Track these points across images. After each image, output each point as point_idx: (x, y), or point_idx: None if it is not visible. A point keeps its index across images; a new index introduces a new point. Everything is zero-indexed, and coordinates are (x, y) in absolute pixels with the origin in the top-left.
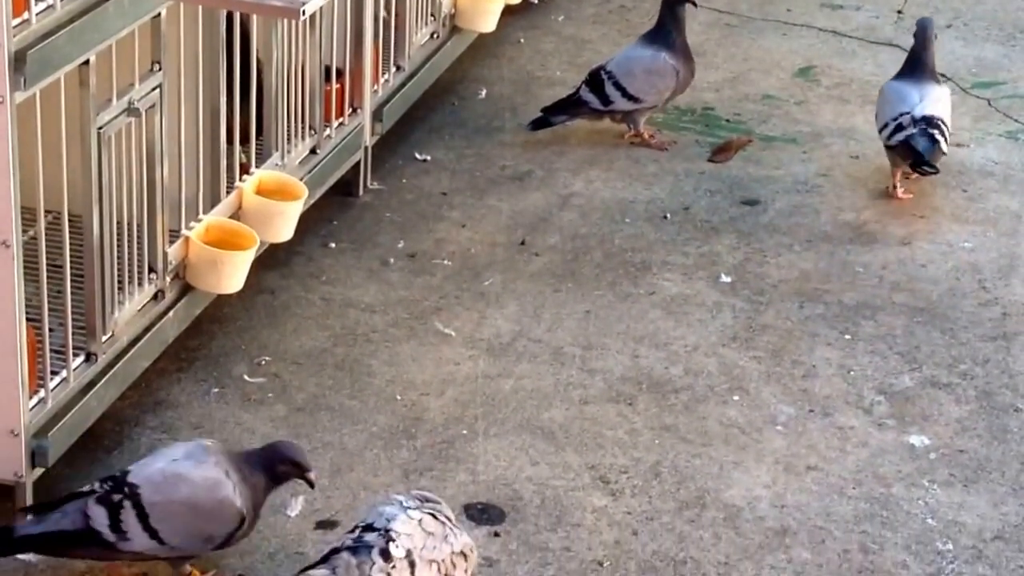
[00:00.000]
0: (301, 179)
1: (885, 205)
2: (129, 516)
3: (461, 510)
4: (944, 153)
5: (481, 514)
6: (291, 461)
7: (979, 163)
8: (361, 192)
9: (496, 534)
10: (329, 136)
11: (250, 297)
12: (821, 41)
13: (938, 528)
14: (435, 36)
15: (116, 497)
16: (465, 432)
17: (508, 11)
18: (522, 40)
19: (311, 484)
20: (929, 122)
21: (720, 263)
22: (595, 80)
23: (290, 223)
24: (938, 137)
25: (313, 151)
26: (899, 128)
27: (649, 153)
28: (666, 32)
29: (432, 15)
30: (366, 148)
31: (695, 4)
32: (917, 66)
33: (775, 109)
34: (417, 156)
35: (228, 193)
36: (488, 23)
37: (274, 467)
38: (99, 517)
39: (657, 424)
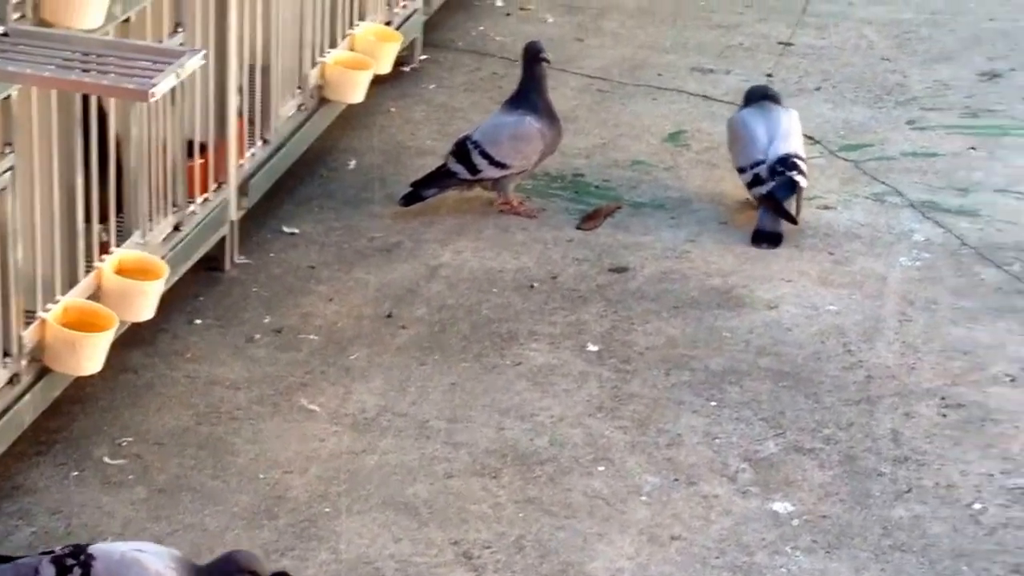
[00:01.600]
0: (164, 256)
1: (752, 270)
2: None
3: None
4: (803, 188)
5: None
6: (249, 571)
7: (846, 226)
8: (228, 267)
9: None
10: (193, 212)
11: (113, 376)
12: (691, 105)
13: None
14: (302, 108)
15: (70, 562)
16: (328, 510)
17: (378, 80)
18: (392, 109)
19: (548, 60)
20: (786, 164)
21: (587, 332)
22: (462, 150)
23: (151, 303)
24: (796, 178)
25: (177, 228)
26: (757, 180)
27: (518, 221)
28: (528, 95)
29: (299, 87)
30: (232, 223)
31: (548, 61)
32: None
33: (644, 175)
34: (285, 229)
35: (87, 273)
36: (356, 94)
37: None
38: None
39: (521, 497)
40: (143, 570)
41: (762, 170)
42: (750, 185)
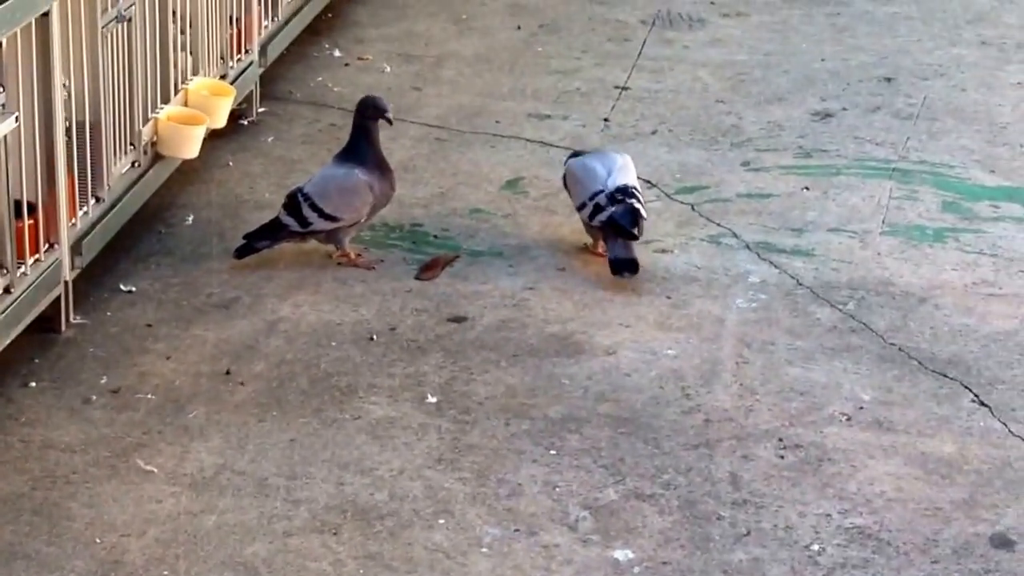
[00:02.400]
0: None
1: (590, 315)
2: (307, 210)
3: None
4: (644, 218)
5: None
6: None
7: (683, 269)
8: (63, 328)
9: None
10: (24, 273)
11: None
12: (529, 152)
13: None
14: (136, 164)
15: (296, 202)
16: (167, 573)
17: (216, 134)
18: (230, 163)
19: (390, 121)
20: (625, 192)
21: (426, 383)
22: (292, 203)
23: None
24: (636, 206)
25: (7, 290)
26: (597, 208)
27: (356, 273)
28: (358, 148)
29: (132, 144)
30: (66, 283)
31: (390, 122)
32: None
33: (483, 223)
34: (122, 287)
35: None
36: (191, 150)
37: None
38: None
39: (362, 553)
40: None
41: (601, 198)
42: (591, 215)
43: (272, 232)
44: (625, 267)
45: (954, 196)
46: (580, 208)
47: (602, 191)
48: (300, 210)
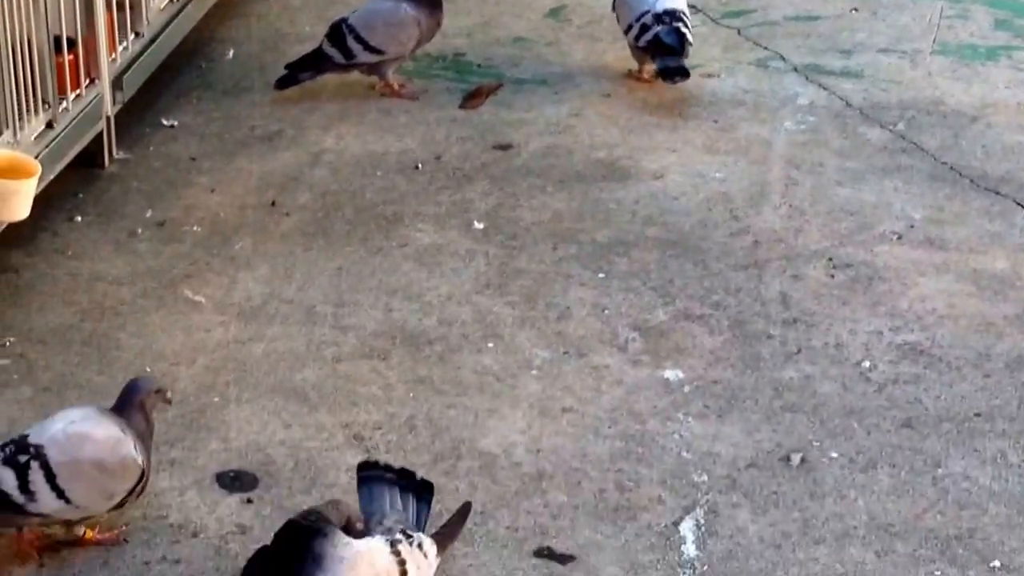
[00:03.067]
0: (38, 155)
1: (637, 141)
2: (37, 477)
3: (213, 479)
4: (690, 44)
5: (233, 481)
6: (154, 391)
7: (730, 92)
8: (107, 163)
9: (249, 500)
10: (66, 109)
11: None
12: None
13: (693, 460)
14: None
15: (23, 458)
16: (217, 399)
17: None
18: None
19: (169, 402)
20: (672, 16)
21: (473, 210)
22: (336, 34)
23: (25, 202)
24: (683, 29)
25: (50, 125)
26: (644, 28)
27: (400, 104)
28: None
29: None
30: (108, 118)
31: None
32: None
33: (526, 51)
34: (164, 122)
35: None
36: None
37: (144, 405)
38: (7, 479)
39: (411, 377)
40: (94, 442)
41: (647, 18)
42: (637, 36)
43: (315, 63)
44: (676, 73)
45: (1007, 14)
46: (627, 31)
47: (648, 11)
48: (344, 41)
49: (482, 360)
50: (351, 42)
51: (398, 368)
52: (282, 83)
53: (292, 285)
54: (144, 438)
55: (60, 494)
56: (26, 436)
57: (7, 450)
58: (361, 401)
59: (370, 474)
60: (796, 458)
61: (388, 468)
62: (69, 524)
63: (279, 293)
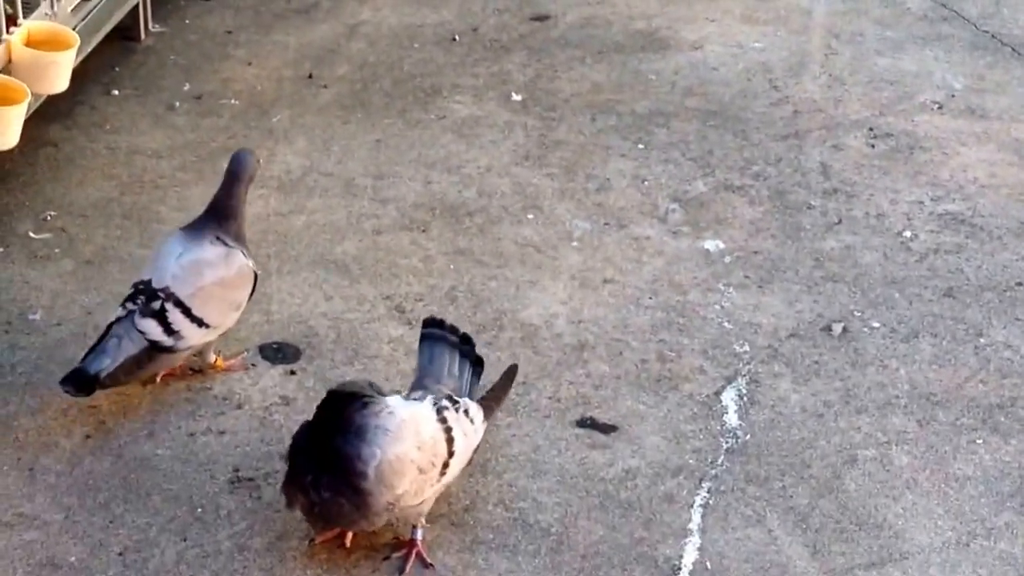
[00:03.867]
0: (74, 27)
1: (676, 11)
2: (176, 316)
3: (256, 351)
4: None
5: (276, 353)
6: (257, 161)
7: None
8: (143, 36)
9: (292, 372)
10: None
11: (32, 151)
12: None
13: (734, 331)
14: None
15: (156, 305)
16: (258, 272)
17: None
18: None
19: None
20: None
21: (511, 82)
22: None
23: (64, 74)
24: None
25: None
26: None
27: None
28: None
29: None
30: None
31: None
32: None
33: None
34: None
35: None
36: None
37: (251, 180)
38: (152, 329)
39: (451, 249)
40: (210, 264)
41: None
42: None
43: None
44: None
45: None
46: None
47: None
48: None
49: (522, 232)
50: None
51: (438, 240)
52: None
53: (331, 158)
54: (241, 235)
55: (200, 323)
56: (148, 282)
57: (138, 301)
58: (402, 273)
59: (434, 332)
60: (837, 328)
61: (453, 330)
62: (205, 349)
63: (318, 166)
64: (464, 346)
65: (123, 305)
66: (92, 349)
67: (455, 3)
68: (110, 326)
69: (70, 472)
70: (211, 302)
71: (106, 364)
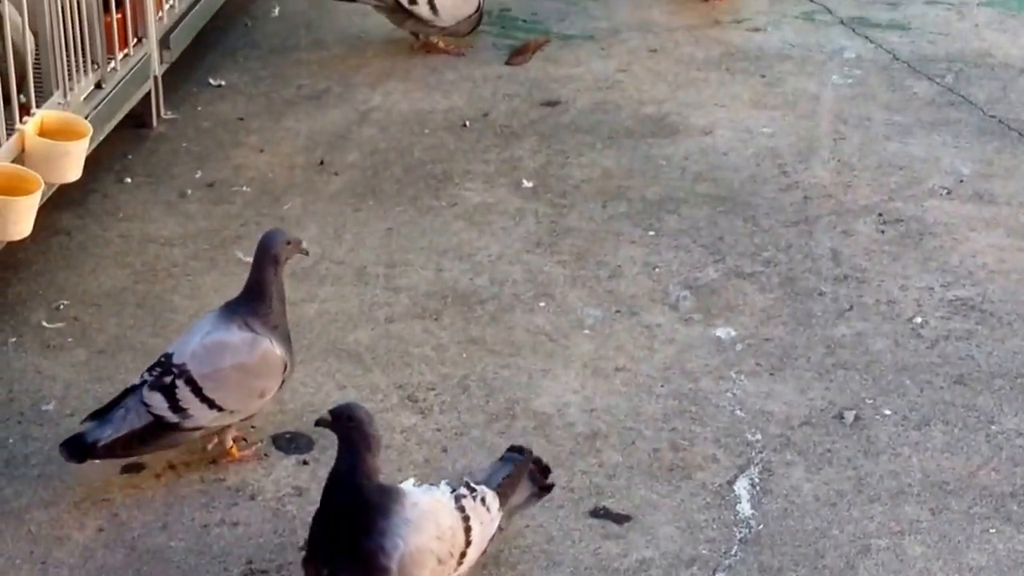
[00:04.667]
0: (87, 115)
1: (685, 96)
2: (185, 393)
3: (269, 441)
4: None
5: (289, 443)
6: (287, 242)
7: (776, 47)
8: (155, 123)
9: (305, 462)
10: (114, 69)
11: (45, 239)
12: None
13: (746, 419)
14: None
15: (167, 380)
16: None
17: None
18: None
19: (306, 252)
20: None
21: (521, 168)
22: None
23: (77, 163)
24: None
25: (98, 85)
26: None
27: (446, 60)
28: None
29: None
30: (156, 78)
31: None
32: None
33: (572, 6)
34: (211, 81)
35: (8, 137)
36: None
37: (277, 260)
38: (158, 403)
39: (464, 337)
40: (231, 347)
41: None
42: None
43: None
44: None
45: None
46: None
47: None
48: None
49: (534, 319)
50: None
51: (450, 328)
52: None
53: (343, 245)
54: (273, 319)
55: (211, 404)
56: (170, 355)
57: (153, 373)
58: (414, 361)
59: (514, 457)
60: (849, 416)
61: (535, 460)
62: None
63: (330, 254)
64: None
65: (143, 374)
66: (99, 414)
67: (466, 88)
68: (124, 394)
69: (83, 565)
70: (227, 385)
71: (106, 434)
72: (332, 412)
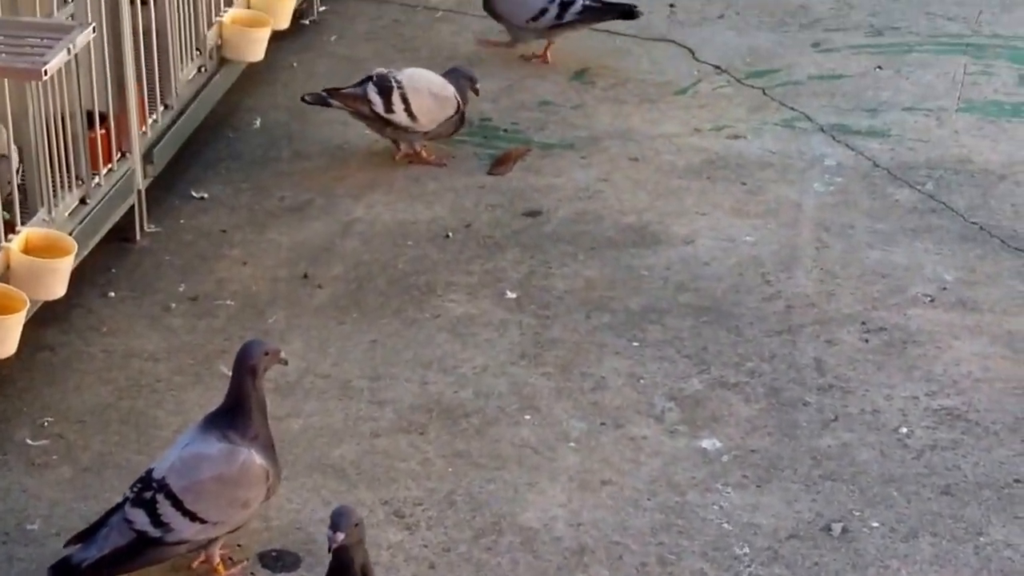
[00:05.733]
0: (71, 231)
1: (666, 205)
2: (166, 508)
3: (255, 559)
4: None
5: (276, 562)
6: (265, 352)
7: (757, 154)
8: (138, 237)
9: None
10: (99, 184)
11: (29, 356)
12: (596, 42)
13: (734, 532)
14: (203, 70)
15: (148, 495)
16: None
17: (278, 36)
18: (295, 64)
19: (285, 362)
20: None
21: (505, 279)
22: (384, 84)
23: (62, 280)
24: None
25: (83, 201)
26: (565, 5)
27: (428, 171)
28: (452, 78)
29: (198, 49)
30: (139, 192)
31: (476, 93)
32: None
33: (552, 115)
34: (194, 194)
35: None
36: (256, 52)
37: (255, 371)
38: (139, 519)
39: (449, 451)
40: (209, 460)
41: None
42: (559, 15)
43: (351, 98)
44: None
45: None
46: (537, 16)
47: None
48: (390, 95)
49: (519, 432)
50: (396, 98)
51: (436, 442)
52: (313, 99)
53: (327, 359)
54: (253, 430)
55: (193, 517)
56: (151, 471)
57: (134, 490)
58: (400, 476)
59: None
60: (837, 528)
61: None
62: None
63: (314, 368)
64: None
65: (126, 492)
66: (84, 535)
67: (448, 199)
68: (109, 513)
69: None
70: (208, 497)
71: (91, 554)
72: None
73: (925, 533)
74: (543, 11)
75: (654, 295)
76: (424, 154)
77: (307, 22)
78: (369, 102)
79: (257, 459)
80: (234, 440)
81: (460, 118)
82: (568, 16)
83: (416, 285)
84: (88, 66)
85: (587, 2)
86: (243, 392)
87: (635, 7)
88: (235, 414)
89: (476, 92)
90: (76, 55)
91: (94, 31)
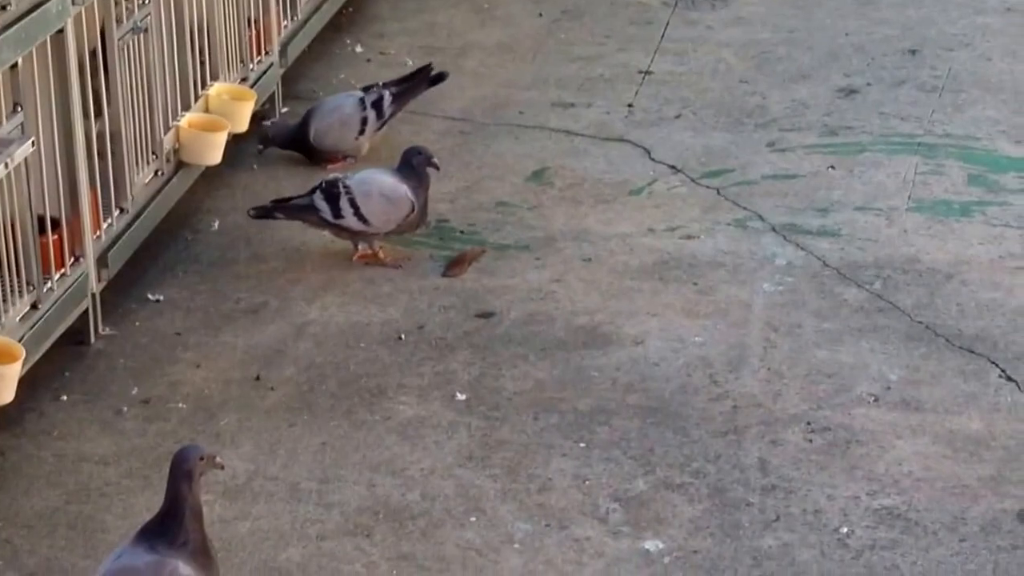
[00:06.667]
0: (22, 336)
1: (618, 305)
2: (344, 204)
3: None
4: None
5: None
6: (200, 457)
7: (709, 254)
8: (93, 340)
9: None
10: (51, 289)
11: None
12: (553, 142)
13: None
14: (160, 173)
15: (335, 192)
16: None
17: (240, 137)
18: (255, 166)
19: (222, 466)
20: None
21: (455, 381)
22: (331, 191)
23: (9, 386)
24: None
25: (34, 306)
26: (376, 104)
27: (383, 272)
28: (409, 170)
29: (154, 153)
30: (93, 295)
31: (437, 168)
32: None
33: (509, 216)
34: (150, 297)
35: None
36: (213, 156)
37: (191, 475)
38: (323, 207)
39: (394, 554)
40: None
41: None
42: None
43: (298, 210)
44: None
45: (980, 169)
46: (362, 129)
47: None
48: (337, 200)
49: (465, 534)
50: (344, 203)
51: (381, 545)
52: (259, 213)
53: (277, 461)
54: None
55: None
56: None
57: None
58: None
59: None
60: None
61: None
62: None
63: (263, 470)
64: None
65: None
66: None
67: (402, 300)
68: None
69: None
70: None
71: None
72: None
73: None
74: (364, 120)
75: (603, 396)
76: (381, 255)
77: (268, 124)
78: (317, 210)
79: (183, 569)
80: (161, 551)
81: (420, 214)
82: (386, 110)
83: (367, 387)
84: (40, 172)
85: (392, 90)
86: (179, 497)
87: (442, 73)
88: (168, 521)
89: (436, 167)
90: (26, 161)
91: (33, 145)
